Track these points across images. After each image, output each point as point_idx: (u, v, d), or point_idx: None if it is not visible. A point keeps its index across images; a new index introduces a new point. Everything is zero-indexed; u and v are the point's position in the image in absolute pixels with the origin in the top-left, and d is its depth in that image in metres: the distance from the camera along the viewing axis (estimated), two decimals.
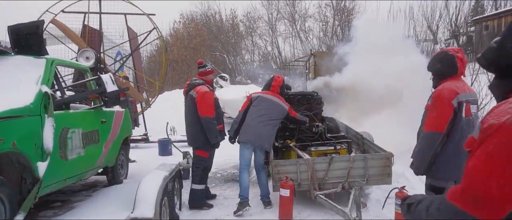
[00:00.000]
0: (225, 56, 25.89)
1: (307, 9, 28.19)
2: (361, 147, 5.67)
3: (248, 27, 28.83)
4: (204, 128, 4.41)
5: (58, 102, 3.28)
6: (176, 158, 7.48)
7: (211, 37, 26.65)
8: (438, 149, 2.97)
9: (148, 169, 6.28)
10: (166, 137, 8.56)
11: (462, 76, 3.16)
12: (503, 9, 22.04)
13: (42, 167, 2.74)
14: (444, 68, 3.04)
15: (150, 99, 9.20)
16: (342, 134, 5.72)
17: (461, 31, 23.26)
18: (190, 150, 7.25)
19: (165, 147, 8.01)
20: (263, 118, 4.56)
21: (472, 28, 23.28)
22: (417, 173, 3.15)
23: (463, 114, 2.90)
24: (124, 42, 8.09)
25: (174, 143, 6.43)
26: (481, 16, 22.84)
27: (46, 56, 3.43)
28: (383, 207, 4.30)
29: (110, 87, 3.72)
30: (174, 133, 10.03)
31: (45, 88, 3.03)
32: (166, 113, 12.46)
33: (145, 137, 8.29)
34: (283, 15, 28.87)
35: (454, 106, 2.86)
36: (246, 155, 4.60)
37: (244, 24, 29.05)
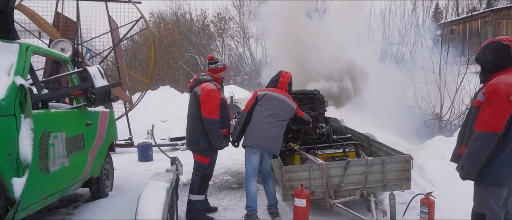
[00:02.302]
0: (197, 57, 25.06)
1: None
2: (367, 149, 5.31)
3: (219, 28, 28.20)
4: (207, 130, 3.84)
5: (35, 99, 2.57)
6: (159, 164, 6.79)
7: (182, 37, 25.76)
8: (492, 151, 2.60)
9: (134, 178, 5.60)
10: (146, 141, 7.85)
11: None
12: (466, 15, 23.05)
13: (18, 184, 2.04)
14: (496, 59, 2.69)
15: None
16: (348, 135, 5.32)
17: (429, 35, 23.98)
18: (177, 154, 6.61)
19: (145, 152, 7.25)
20: (271, 118, 4.06)
21: (438, 32, 24.12)
22: (468, 177, 2.78)
23: None
24: (105, 34, 7.21)
25: (160, 148, 5.72)
26: (447, 21, 23.72)
27: (19, 41, 2.70)
28: (403, 214, 3.96)
29: (99, 81, 3.03)
30: (151, 136, 9.26)
31: (20, 80, 2.32)
32: (139, 115, 11.64)
33: (130, 141, 7.47)
34: (255, 15, 28.48)
35: None
36: (254, 160, 4.07)
37: (215, 25, 28.40)
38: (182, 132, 8.95)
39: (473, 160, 2.65)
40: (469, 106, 8.45)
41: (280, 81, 4.29)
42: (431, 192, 3.70)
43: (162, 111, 13.82)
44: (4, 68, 2.36)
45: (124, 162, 6.77)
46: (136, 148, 7.47)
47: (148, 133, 9.45)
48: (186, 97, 15.17)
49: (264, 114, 4.08)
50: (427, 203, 3.64)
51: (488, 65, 2.76)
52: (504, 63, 2.68)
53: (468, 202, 4.24)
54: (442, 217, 4.22)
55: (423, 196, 3.68)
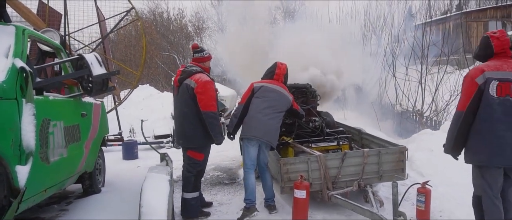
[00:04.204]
0: (175, 56, 24.68)
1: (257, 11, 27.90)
2: (358, 143, 5.37)
3: (197, 28, 27.89)
4: (207, 125, 3.69)
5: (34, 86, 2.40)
6: (146, 162, 6.59)
7: (160, 36, 25.31)
8: (465, 130, 2.81)
9: (124, 175, 5.43)
10: (130, 138, 7.63)
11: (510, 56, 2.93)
12: (439, 17, 23.92)
13: (23, 172, 1.89)
14: (480, 50, 2.95)
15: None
16: (341, 129, 5.36)
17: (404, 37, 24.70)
18: (166, 150, 6.44)
19: (130, 149, 7.02)
20: (268, 110, 4.03)
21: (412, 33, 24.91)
22: (445, 151, 3.04)
23: (494, 93, 2.70)
24: (94, 24, 6.90)
25: (151, 145, 5.57)
26: (418, 23, 24.53)
27: (13, 23, 2.53)
28: (399, 204, 4.02)
29: (97, 69, 2.89)
30: (133, 134, 9.03)
31: (20, 63, 2.17)
32: (119, 113, 11.30)
33: (120, 137, 7.19)
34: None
35: (479, 83, 2.71)
36: (252, 153, 4.02)
37: (193, 25, 28.07)
38: (167, 130, 8.78)
39: (448, 137, 2.95)
40: (449, 102, 8.77)
41: (276, 72, 4.25)
42: (428, 181, 3.78)
43: (142, 110, 13.50)
44: (1, 50, 2.20)
45: (108, 161, 6.51)
46: (119, 146, 7.22)
47: (130, 131, 9.21)
48: (166, 96, 14.85)
49: (261, 106, 4.03)
50: (424, 192, 3.72)
51: (478, 57, 3.00)
52: (487, 52, 2.88)
53: (458, 192, 4.40)
54: (434, 206, 4.32)
55: (419, 186, 3.76)
